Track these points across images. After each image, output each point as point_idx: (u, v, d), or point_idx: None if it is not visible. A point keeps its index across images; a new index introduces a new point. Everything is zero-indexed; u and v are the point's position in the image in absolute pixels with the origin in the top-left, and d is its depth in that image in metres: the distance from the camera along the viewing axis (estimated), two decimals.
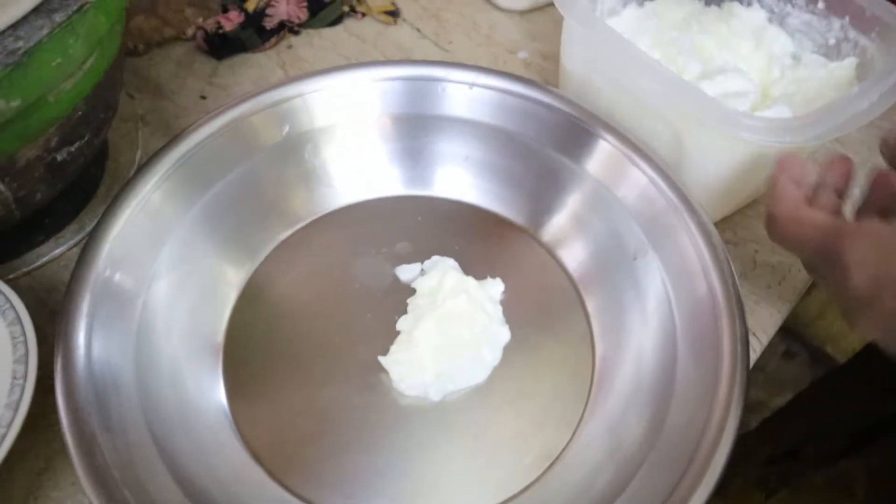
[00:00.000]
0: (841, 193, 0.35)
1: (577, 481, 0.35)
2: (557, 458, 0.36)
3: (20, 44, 0.31)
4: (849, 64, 0.43)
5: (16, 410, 0.32)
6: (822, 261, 0.32)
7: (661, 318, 0.38)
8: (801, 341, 1.17)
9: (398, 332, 0.40)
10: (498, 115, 0.43)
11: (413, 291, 0.41)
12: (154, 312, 0.36)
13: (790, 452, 0.61)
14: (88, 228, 0.45)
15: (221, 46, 0.55)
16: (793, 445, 0.62)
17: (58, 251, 0.44)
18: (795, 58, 0.46)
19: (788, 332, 1.15)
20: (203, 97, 0.53)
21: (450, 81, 0.43)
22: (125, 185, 0.38)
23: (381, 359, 0.38)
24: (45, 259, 0.43)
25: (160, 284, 0.37)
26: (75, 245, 0.44)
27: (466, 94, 0.43)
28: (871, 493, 0.47)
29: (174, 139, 0.40)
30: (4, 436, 0.31)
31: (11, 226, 0.39)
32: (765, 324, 0.43)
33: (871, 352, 0.58)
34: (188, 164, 0.39)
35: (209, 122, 0.40)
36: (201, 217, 0.40)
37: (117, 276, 0.35)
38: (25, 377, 0.33)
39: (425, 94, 0.44)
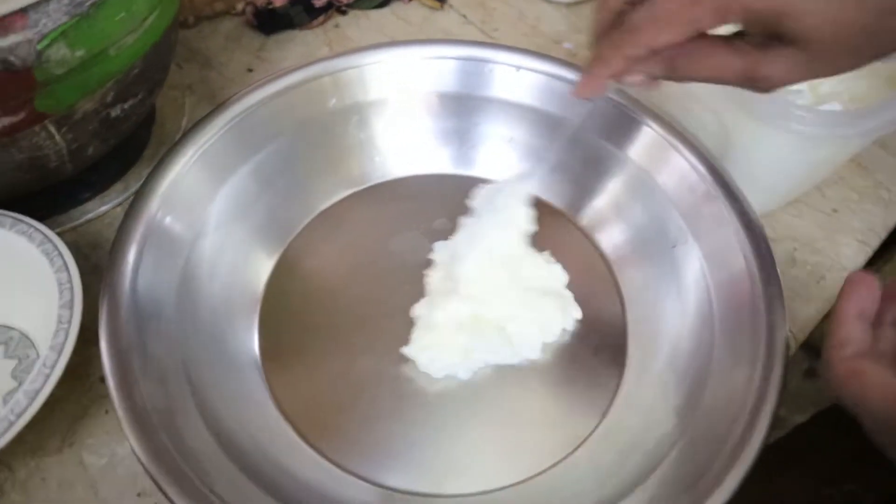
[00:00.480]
0: None
1: (608, 461, 0.35)
2: (587, 437, 0.36)
3: None
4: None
5: (60, 353, 0.32)
6: (888, 429, 0.28)
7: (699, 306, 0.38)
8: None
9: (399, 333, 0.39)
10: (543, 98, 0.43)
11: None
12: (199, 262, 0.37)
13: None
14: (133, 188, 0.45)
15: (270, 22, 0.55)
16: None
17: (103, 209, 0.44)
18: None
19: (812, 349, 1.13)
20: (250, 70, 0.53)
21: (498, 63, 0.43)
22: (177, 142, 0.39)
23: (404, 349, 0.38)
24: (89, 216, 0.44)
25: (207, 238, 0.38)
26: (119, 204, 0.45)
27: (514, 77, 0.44)
28: None
29: (225, 102, 0.41)
30: (48, 376, 0.32)
31: (61, 180, 0.40)
32: (802, 323, 0.43)
33: None
34: (242, 124, 0.40)
35: (265, 85, 0.41)
36: (250, 178, 0.41)
37: (169, 220, 0.36)
38: (70, 322, 0.34)
39: (473, 74, 0.44)
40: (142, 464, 0.29)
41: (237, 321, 0.38)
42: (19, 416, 0.31)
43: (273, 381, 0.37)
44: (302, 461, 0.35)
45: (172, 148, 0.38)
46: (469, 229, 0.41)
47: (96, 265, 0.42)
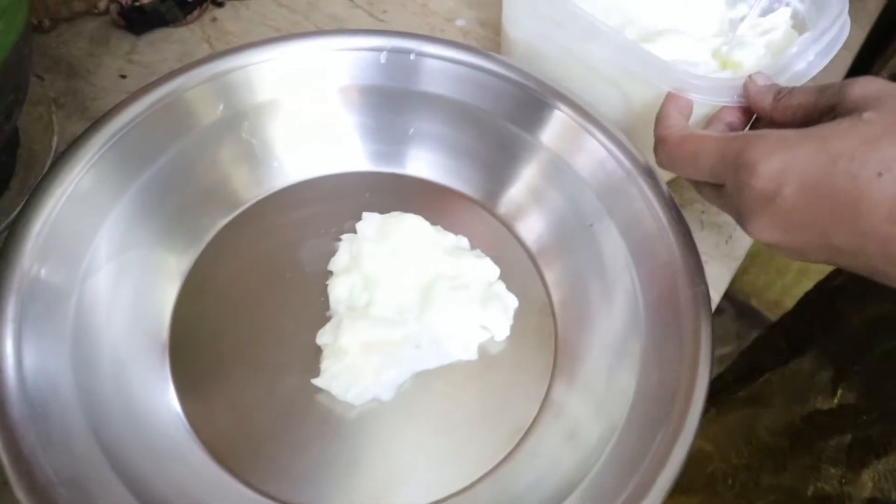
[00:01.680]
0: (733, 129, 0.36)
1: (552, 451, 0.35)
2: (528, 429, 0.36)
3: None
4: (783, 13, 0.44)
5: None
6: (723, 169, 0.32)
7: (622, 283, 0.38)
8: (726, 296, 1.23)
9: (321, 348, 0.37)
10: (447, 85, 0.42)
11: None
12: (90, 311, 0.33)
13: (715, 379, 0.65)
14: (3, 224, 0.41)
15: (139, 21, 0.51)
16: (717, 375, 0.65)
17: None
18: (732, 22, 0.46)
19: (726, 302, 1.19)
20: (123, 76, 0.49)
21: (395, 51, 0.41)
22: (48, 171, 0.34)
23: (315, 381, 0.36)
24: None
25: (94, 280, 0.34)
26: None
27: (412, 64, 0.42)
28: (784, 398, 0.50)
29: (102, 118, 0.36)
30: None
31: None
32: (716, 282, 0.44)
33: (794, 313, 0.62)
34: (119, 144, 0.36)
35: (144, 94, 0.37)
36: (136, 203, 0.37)
37: (46, 274, 0.32)
38: None
39: (369, 64, 0.41)
40: None
41: (144, 362, 0.35)
42: None
43: (194, 419, 0.35)
44: (234, 499, 0.33)
45: (41, 183, 0.34)
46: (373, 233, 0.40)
47: None
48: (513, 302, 0.40)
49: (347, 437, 0.35)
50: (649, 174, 0.38)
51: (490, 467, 0.35)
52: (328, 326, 0.38)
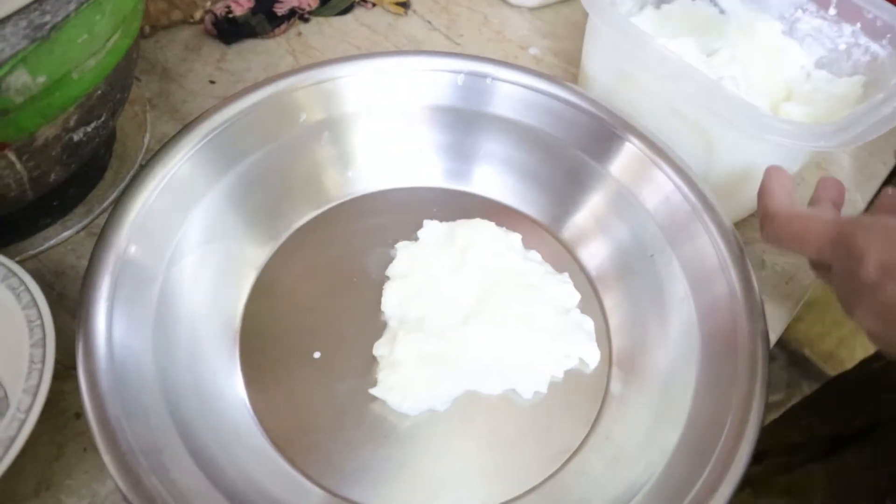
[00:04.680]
0: (838, 207, 0.37)
1: (597, 474, 0.35)
2: (576, 450, 0.37)
3: (47, 18, 0.30)
4: (857, 81, 0.44)
5: (35, 395, 0.31)
6: (831, 253, 0.32)
7: (679, 314, 0.38)
8: (779, 344, 1.20)
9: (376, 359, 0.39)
10: (519, 110, 0.43)
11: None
12: (172, 295, 0.36)
13: (756, 456, 0.63)
14: (97, 212, 0.44)
15: (230, 31, 0.54)
16: (760, 450, 0.63)
17: (65, 234, 0.42)
18: (806, 73, 0.47)
19: (783, 347, 1.17)
20: (212, 82, 0.52)
21: (472, 75, 0.43)
22: (147, 163, 0.37)
23: (372, 391, 0.37)
24: (52, 242, 0.42)
25: (179, 267, 0.37)
26: (82, 229, 0.43)
27: (487, 88, 0.43)
28: (827, 497, 0.49)
29: (197, 119, 0.39)
30: (24, 421, 0.30)
31: (22, 207, 0.38)
32: (773, 323, 0.44)
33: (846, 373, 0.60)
34: (211, 144, 0.39)
35: (234, 101, 0.40)
36: (222, 197, 0.39)
37: (137, 256, 0.35)
38: (44, 361, 0.32)
39: (446, 85, 0.43)
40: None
41: (217, 349, 0.37)
42: None
43: (258, 408, 0.36)
44: (294, 489, 0.34)
45: (139, 174, 0.37)
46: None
47: (61, 294, 0.40)
48: (590, 324, 0.40)
49: (400, 441, 0.36)
50: (713, 211, 0.39)
51: (536, 483, 0.35)
52: (383, 339, 0.39)
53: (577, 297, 0.41)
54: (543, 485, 0.35)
